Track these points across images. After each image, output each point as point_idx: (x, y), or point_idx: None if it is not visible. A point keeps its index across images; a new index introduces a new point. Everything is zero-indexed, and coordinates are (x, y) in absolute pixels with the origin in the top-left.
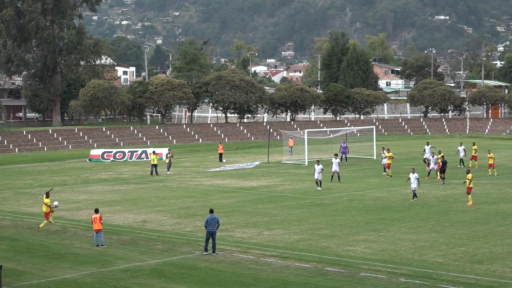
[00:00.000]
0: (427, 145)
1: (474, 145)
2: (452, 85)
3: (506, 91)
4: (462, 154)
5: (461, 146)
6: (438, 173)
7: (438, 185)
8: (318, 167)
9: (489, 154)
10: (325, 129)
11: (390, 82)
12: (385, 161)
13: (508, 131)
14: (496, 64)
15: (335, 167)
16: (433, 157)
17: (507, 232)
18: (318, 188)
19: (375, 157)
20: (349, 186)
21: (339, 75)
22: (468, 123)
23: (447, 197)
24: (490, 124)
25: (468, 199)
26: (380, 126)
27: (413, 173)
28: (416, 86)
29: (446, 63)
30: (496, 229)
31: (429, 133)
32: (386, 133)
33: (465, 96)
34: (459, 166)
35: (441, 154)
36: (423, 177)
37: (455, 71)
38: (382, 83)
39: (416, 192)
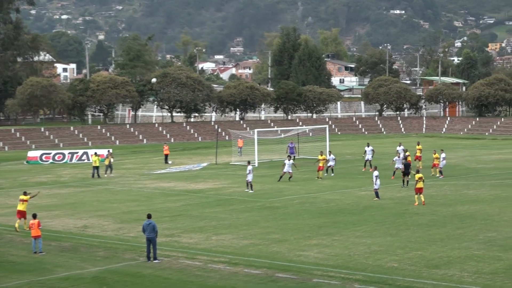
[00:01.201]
0: (400, 146)
1: (418, 145)
2: (408, 82)
3: (464, 88)
4: (402, 155)
5: (400, 146)
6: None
7: (394, 187)
8: (249, 168)
9: (435, 154)
10: (276, 128)
11: (343, 80)
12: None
13: (465, 130)
14: (454, 60)
15: (287, 168)
16: (399, 157)
17: (465, 235)
18: (248, 190)
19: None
20: (300, 188)
21: (291, 72)
22: (424, 122)
23: (402, 199)
24: (447, 123)
25: (414, 199)
26: (333, 125)
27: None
28: (370, 83)
29: (402, 60)
30: (453, 232)
31: (384, 132)
32: (339, 133)
33: (421, 93)
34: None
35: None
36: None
37: (411, 68)
38: (335, 81)
39: (373, 194)
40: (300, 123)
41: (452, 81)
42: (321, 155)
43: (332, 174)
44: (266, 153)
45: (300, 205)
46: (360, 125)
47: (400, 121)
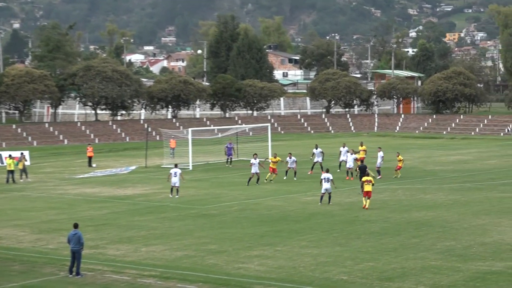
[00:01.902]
0: (343, 147)
1: (361, 146)
2: (358, 76)
3: (419, 82)
4: (343, 157)
5: (344, 147)
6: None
7: (342, 192)
8: (173, 171)
9: (398, 156)
10: (212, 127)
11: (287, 73)
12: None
13: (421, 128)
14: (408, 52)
15: (254, 169)
16: (352, 154)
17: (421, 244)
18: (173, 195)
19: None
20: (240, 193)
21: (229, 65)
22: (376, 120)
23: (352, 205)
24: (401, 120)
25: (363, 201)
26: (276, 124)
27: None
28: (317, 77)
29: (351, 51)
30: (408, 241)
31: (332, 131)
32: (283, 132)
33: (373, 88)
34: (338, 170)
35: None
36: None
37: (361, 60)
38: (278, 74)
39: (319, 197)
40: (239, 122)
41: (406, 75)
42: (275, 157)
43: (230, 166)
44: (201, 155)
45: (239, 212)
46: (305, 124)
47: (349, 119)
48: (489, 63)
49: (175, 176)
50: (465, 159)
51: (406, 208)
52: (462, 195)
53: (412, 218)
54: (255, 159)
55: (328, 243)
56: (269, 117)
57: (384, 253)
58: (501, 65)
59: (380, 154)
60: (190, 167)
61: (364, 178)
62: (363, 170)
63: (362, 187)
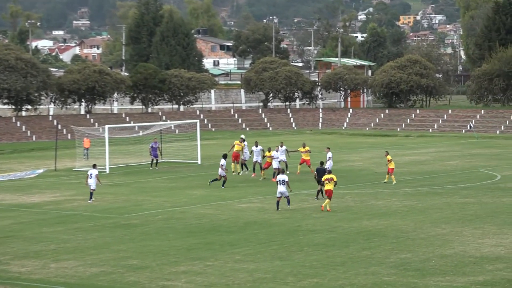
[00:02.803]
0: (281, 146)
1: (304, 147)
2: (300, 65)
3: (370, 72)
4: (283, 157)
5: (282, 146)
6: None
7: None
8: (90, 172)
9: (387, 156)
10: (132, 124)
11: (218, 62)
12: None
13: (372, 124)
14: (357, 37)
15: (220, 171)
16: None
17: (372, 257)
18: (89, 200)
19: (199, 161)
20: (165, 200)
21: (151, 52)
22: (321, 115)
23: (294, 212)
24: (349, 116)
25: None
26: (206, 120)
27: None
28: (253, 66)
29: (292, 36)
30: (358, 253)
31: (271, 128)
32: (214, 129)
33: (316, 79)
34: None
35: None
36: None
37: (303, 47)
38: (208, 63)
39: (258, 206)
40: (164, 118)
41: (354, 64)
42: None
43: (157, 168)
44: (120, 156)
45: (164, 222)
46: (240, 120)
47: (290, 114)
48: (449, 50)
49: (91, 178)
50: (422, 159)
51: (355, 216)
52: (419, 201)
53: (362, 227)
54: (224, 159)
55: (267, 257)
56: (198, 113)
57: (331, 268)
58: (462, 53)
59: (329, 155)
60: (107, 170)
61: (325, 177)
62: (321, 173)
63: (320, 191)
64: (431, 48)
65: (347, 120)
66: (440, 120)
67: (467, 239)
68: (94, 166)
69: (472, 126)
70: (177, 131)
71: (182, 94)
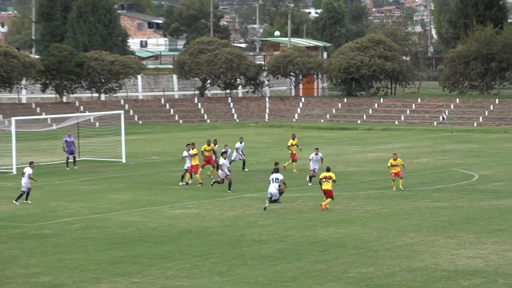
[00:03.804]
0: (240, 143)
1: (294, 139)
2: (243, 46)
3: (325, 55)
4: (235, 155)
5: (241, 143)
6: None
7: (224, 202)
8: (25, 170)
9: (396, 160)
10: (44, 116)
11: (146, 42)
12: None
13: (328, 116)
14: (310, 13)
15: (221, 173)
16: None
17: (329, 271)
18: (15, 202)
19: (124, 160)
20: (83, 206)
21: (66, 31)
22: (268, 105)
23: (236, 219)
24: (301, 106)
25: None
26: (131, 111)
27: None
28: (187, 47)
29: (234, 12)
30: (311, 267)
31: (208, 120)
32: (141, 122)
33: (262, 63)
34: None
35: None
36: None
37: (247, 25)
38: (134, 44)
39: (193, 212)
40: (82, 108)
41: (307, 45)
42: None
43: (75, 167)
44: (30, 154)
45: (82, 231)
46: (172, 110)
47: (231, 104)
48: (418, 29)
49: (24, 177)
50: (386, 157)
51: (308, 223)
52: (383, 206)
53: (316, 236)
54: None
55: (204, 272)
56: (122, 102)
57: (280, 284)
58: (433, 32)
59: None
60: (14, 171)
61: (322, 175)
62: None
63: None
64: (397, 26)
65: (299, 111)
66: (408, 111)
67: (440, 250)
68: (31, 163)
69: (445, 117)
70: (97, 124)
71: (103, 80)
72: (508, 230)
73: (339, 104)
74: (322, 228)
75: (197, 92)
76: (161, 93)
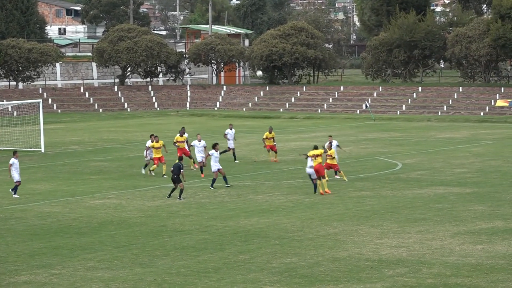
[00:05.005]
0: (231, 129)
1: (270, 132)
2: (164, 33)
3: (247, 42)
4: (229, 143)
5: (231, 129)
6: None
7: (145, 191)
8: (12, 161)
9: (330, 150)
10: None
11: (65, 29)
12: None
13: (250, 104)
14: (231, 0)
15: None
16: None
17: (252, 262)
18: (14, 195)
19: (43, 150)
20: (2, 196)
21: None
22: (189, 94)
23: (158, 209)
24: (222, 94)
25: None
26: (50, 100)
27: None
28: (106, 35)
29: None
30: (234, 257)
31: (129, 109)
32: (60, 111)
33: (183, 50)
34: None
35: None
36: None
37: (167, 12)
38: (52, 31)
39: (114, 203)
40: None
41: (229, 32)
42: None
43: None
44: None
45: (1, 222)
46: (91, 99)
47: (152, 93)
48: (341, 16)
49: (15, 170)
50: (309, 145)
51: (231, 213)
52: (306, 195)
53: (239, 226)
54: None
55: (125, 263)
56: (40, 91)
57: (202, 275)
58: (356, 19)
59: (335, 143)
60: None
61: (310, 153)
62: (176, 171)
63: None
64: (320, 14)
65: (220, 99)
66: (331, 99)
67: (363, 240)
68: (15, 153)
69: (368, 105)
70: (15, 113)
71: (21, 68)
72: (432, 219)
73: (261, 92)
74: (245, 218)
75: (117, 80)
76: (80, 81)
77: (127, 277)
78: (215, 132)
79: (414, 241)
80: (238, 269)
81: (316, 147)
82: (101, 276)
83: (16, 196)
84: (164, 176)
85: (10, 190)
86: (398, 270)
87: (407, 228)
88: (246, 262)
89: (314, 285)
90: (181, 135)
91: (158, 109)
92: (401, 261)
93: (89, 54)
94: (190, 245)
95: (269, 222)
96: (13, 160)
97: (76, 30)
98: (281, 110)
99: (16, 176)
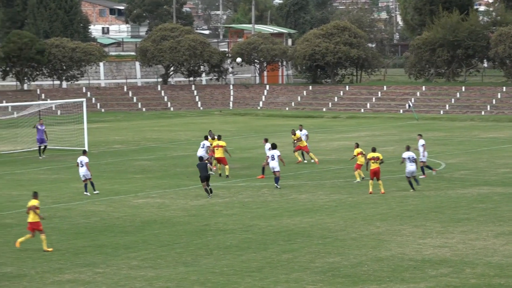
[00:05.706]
0: (300, 130)
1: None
2: (207, 33)
3: (290, 42)
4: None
5: (301, 130)
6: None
7: (189, 190)
8: (80, 160)
9: (293, 134)
10: (5, 104)
11: (108, 29)
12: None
13: (293, 104)
14: (274, 0)
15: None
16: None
17: (295, 261)
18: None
19: (87, 148)
20: (46, 195)
21: (27, 17)
22: (232, 93)
23: (201, 208)
24: (265, 93)
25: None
26: (94, 99)
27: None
28: (149, 34)
29: None
30: (277, 257)
31: (172, 108)
32: (103, 110)
33: (226, 50)
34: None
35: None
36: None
37: (210, 11)
38: (96, 30)
39: (157, 202)
40: (43, 96)
41: (272, 31)
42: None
43: (44, 157)
44: None
45: (45, 221)
46: (134, 98)
47: (195, 92)
48: (384, 16)
49: (82, 166)
50: (352, 145)
51: (274, 212)
52: (350, 194)
53: (282, 226)
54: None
55: (169, 262)
56: (84, 90)
57: (245, 274)
58: (399, 18)
59: (421, 142)
60: None
61: (370, 155)
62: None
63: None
64: (363, 13)
65: (263, 99)
66: (374, 99)
67: (406, 239)
68: (85, 152)
69: (411, 105)
70: (59, 112)
71: (64, 67)
72: (475, 219)
73: (304, 92)
74: (288, 218)
75: (160, 79)
76: (124, 80)
77: (170, 276)
78: (258, 131)
79: (457, 241)
80: (281, 269)
81: (374, 149)
82: (144, 275)
83: (96, 192)
84: (228, 176)
85: (93, 192)
86: (441, 270)
87: (451, 228)
88: (289, 261)
89: (357, 285)
90: (212, 138)
91: (201, 108)
92: (444, 261)
93: (133, 53)
94: (233, 244)
95: (312, 221)
96: (82, 158)
97: (120, 30)
98: (324, 109)
99: (87, 173)
